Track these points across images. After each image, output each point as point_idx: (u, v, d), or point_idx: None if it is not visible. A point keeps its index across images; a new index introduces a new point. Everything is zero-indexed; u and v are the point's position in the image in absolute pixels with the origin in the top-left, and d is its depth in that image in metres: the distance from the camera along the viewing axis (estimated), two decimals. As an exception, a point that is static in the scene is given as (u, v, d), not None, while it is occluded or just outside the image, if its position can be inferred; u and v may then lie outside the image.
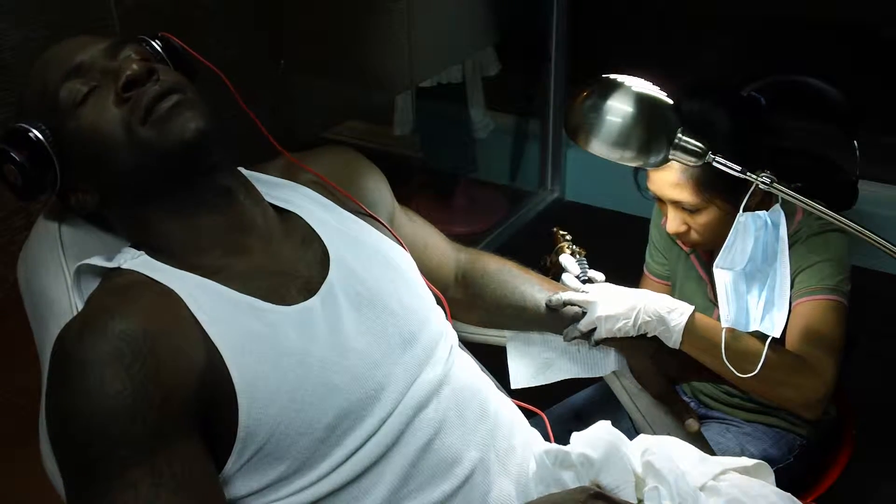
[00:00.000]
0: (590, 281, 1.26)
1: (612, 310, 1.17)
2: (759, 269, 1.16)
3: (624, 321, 1.16)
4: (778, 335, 1.15)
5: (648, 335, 1.18)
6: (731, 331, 1.18)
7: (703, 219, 1.34)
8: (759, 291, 1.16)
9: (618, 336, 1.18)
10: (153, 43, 0.98)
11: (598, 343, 1.20)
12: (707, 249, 1.48)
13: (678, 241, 1.56)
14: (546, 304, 1.22)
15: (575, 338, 1.21)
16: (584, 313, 1.20)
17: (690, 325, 1.16)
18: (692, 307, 1.18)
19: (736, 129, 1.29)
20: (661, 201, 1.39)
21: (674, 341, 1.17)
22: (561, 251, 1.35)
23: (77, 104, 0.89)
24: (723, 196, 1.30)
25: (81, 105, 0.89)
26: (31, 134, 0.89)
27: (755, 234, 1.14)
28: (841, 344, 1.28)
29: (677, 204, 1.35)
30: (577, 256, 1.33)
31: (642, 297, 1.18)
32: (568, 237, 1.39)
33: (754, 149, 1.29)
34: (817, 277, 1.32)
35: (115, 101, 0.88)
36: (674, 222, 1.38)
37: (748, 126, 1.31)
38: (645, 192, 1.43)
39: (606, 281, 1.28)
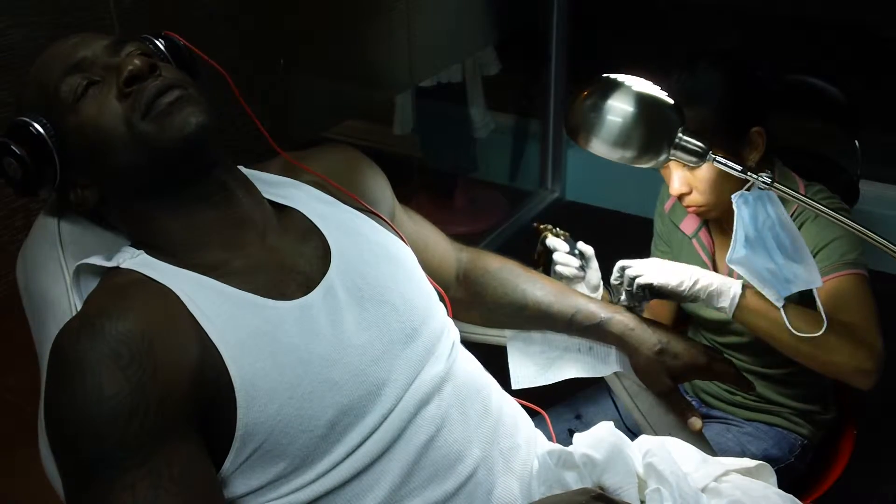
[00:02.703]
0: (581, 254, 1.27)
1: (666, 276, 1.23)
2: (758, 239, 1.19)
3: (680, 283, 1.23)
4: (821, 284, 1.20)
5: (699, 299, 1.24)
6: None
7: (703, 174, 1.35)
8: (770, 258, 1.19)
9: (667, 291, 1.25)
10: (156, 42, 0.98)
11: (640, 289, 1.26)
12: (711, 214, 1.46)
13: (680, 227, 1.55)
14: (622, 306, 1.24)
15: (622, 285, 1.26)
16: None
17: (744, 294, 1.23)
18: (741, 281, 1.23)
19: (731, 85, 1.33)
20: (665, 172, 1.41)
21: (732, 296, 1.24)
22: (545, 237, 1.36)
23: (78, 98, 0.89)
24: (721, 148, 1.29)
25: (82, 99, 0.89)
26: (32, 128, 0.89)
27: (742, 213, 1.17)
28: (877, 312, 1.31)
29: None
30: (563, 237, 1.34)
31: (696, 269, 1.25)
32: (549, 226, 1.40)
33: (749, 106, 1.35)
34: (838, 253, 1.35)
35: (116, 95, 0.88)
36: (676, 181, 1.39)
37: (743, 83, 1.36)
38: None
39: (605, 281, 1.28)
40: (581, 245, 1.29)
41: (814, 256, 1.34)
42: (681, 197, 1.42)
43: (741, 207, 1.16)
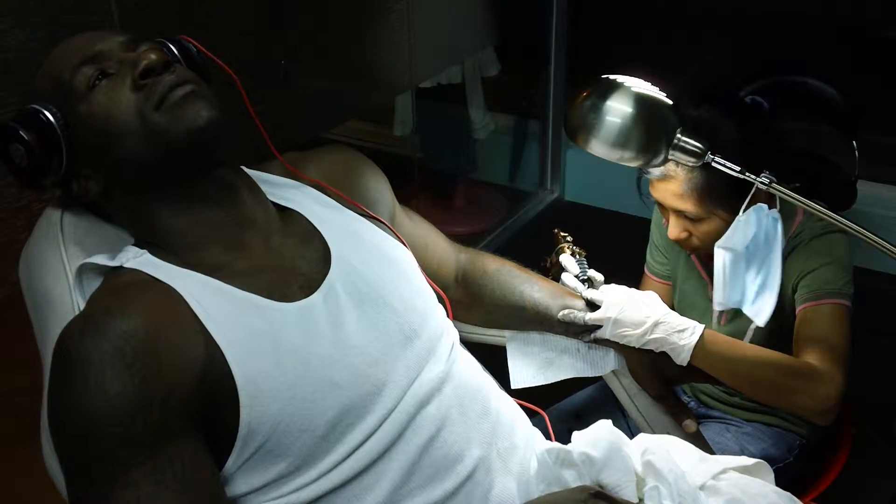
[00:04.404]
0: (589, 281, 1.26)
1: (623, 316, 1.17)
2: (760, 251, 1.17)
3: (631, 332, 1.16)
4: (762, 324, 1.17)
5: (655, 351, 1.18)
6: (741, 346, 1.20)
7: (704, 227, 1.34)
8: (755, 272, 1.18)
9: (620, 343, 1.18)
10: (169, 45, 0.99)
11: (595, 340, 1.20)
12: (707, 252, 1.48)
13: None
14: (558, 318, 1.20)
15: (575, 324, 1.19)
16: (597, 307, 1.20)
17: (701, 344, 1.16)
18: (703, 326, 1.18)
19: (742, 137, 1.29)
20: (662, 207, 1.39)
21: (682, 359, 1.17)
22: (561, 251, 1.36)
23: (91, 88, 0.89)
24: (725, 207, 1.30)
25: (95, 89, 0.90)
26: (42, 115, 0.90)
27: (757, 222, 1.16)
28: (849, 347, 1.28)
29: (679, 213, 1.35)
30: (578, 257, 1.33)
31: (655, 313, 1.17)
32: (569, 238, 1.40)
33: (759, 155, 1.29)
34: (821, 281, 1.32)
35: (130, 87, 0.88)
36: (675, 229, 1.38)
37: (754, 134, 1.32)
38: (646, 198, 1.43)
39: (606, 281, 1.28)
40: (592, 272, 1.27)
41: (798, 281, 1.35)
42: (677, 240, 1.41)
43: (760, 217, 1.15)
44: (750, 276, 1.19)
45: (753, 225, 1.16)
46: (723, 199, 1.29)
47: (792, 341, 1.31)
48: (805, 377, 1.23)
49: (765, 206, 1.16)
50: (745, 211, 1.18)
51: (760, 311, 1.17)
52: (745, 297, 1.20)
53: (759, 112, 1.38)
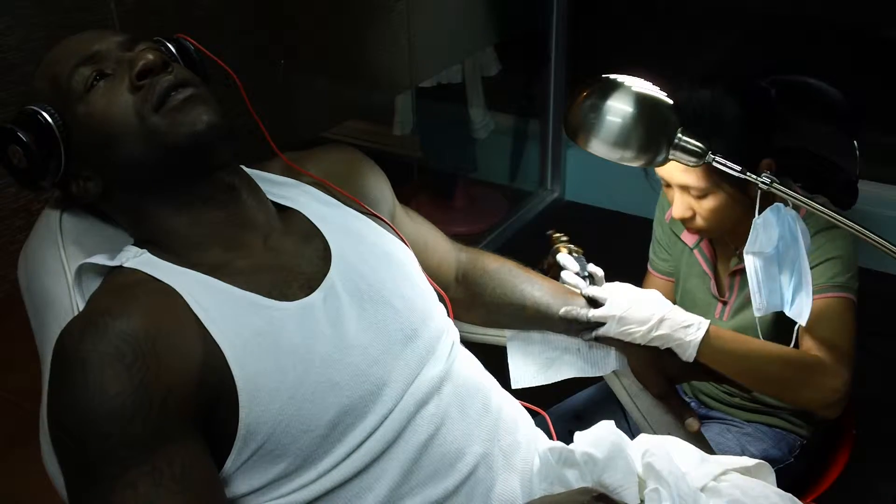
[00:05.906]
0: (590, 277, 1.26)
1: (628, 313, 1.16)
2: (789, 251, 1.16)
3: (637, 329, 1.16)
4: (804, 323, 1.15)
5: (660, 347, 1.18)
6: (746, 341, 1.19)
7: (709, 204, 1.34)
8: (789, 273, 1.16)
9: (625, 340, 1.18)
10: (167, 45, 0.99)
11: (598, 338, 1.20)
12: (711, 236, 1.48)
13: (681, 237, 1.56)
14: (559, 315, 1.20)
15: (577, 320, 1.18)
16: (600, 305, 1.19)
17: (706, 339, 1.16)
18: (708, 321, 1.17)
19: (746, 118, 1.28)
20: (667, 186, 1.39)
21: (688, 355, 1.17)
22: (558, 251, 1.35)
23: (88, 89, 0.89)
24: (730, 181, 1.29)
25: (93, 90, 0.89)
26: (40, 116, 0.89)
27: (779, 222, 1.15)
28: (854, 341, 1.28)
29: (685, 189, 1.34)
30: (575, 255, 1.33)
31: (660, 310, 1.16)
32: (564, 238, 1.39)
33: (763, 138, 1.30)
34: (827, 275, 1.32)
35: (128, 87, 0.88)
36: (680, 207, 1.38)
37: (758, 115, 1.31)
38: (651, 178, 1.43)
39: (607, 282, 1.28)
40: (591, 267, 1.27)
41: None
42: (682, 220, 1.40)
43: (780, 217, 1.14)
44: (784, 278, 1.18)
45: (776, 225, 1.15)
46: (728, 172, 1.28)
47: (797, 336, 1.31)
48: (811, 370, 1.23)
49: (782, 205, 1.15)
50: (760, 213, 1.17)
51: (801, 311, 1.15)
52: (784, 300, 1.19)
53: (765, 95, 1.38)
